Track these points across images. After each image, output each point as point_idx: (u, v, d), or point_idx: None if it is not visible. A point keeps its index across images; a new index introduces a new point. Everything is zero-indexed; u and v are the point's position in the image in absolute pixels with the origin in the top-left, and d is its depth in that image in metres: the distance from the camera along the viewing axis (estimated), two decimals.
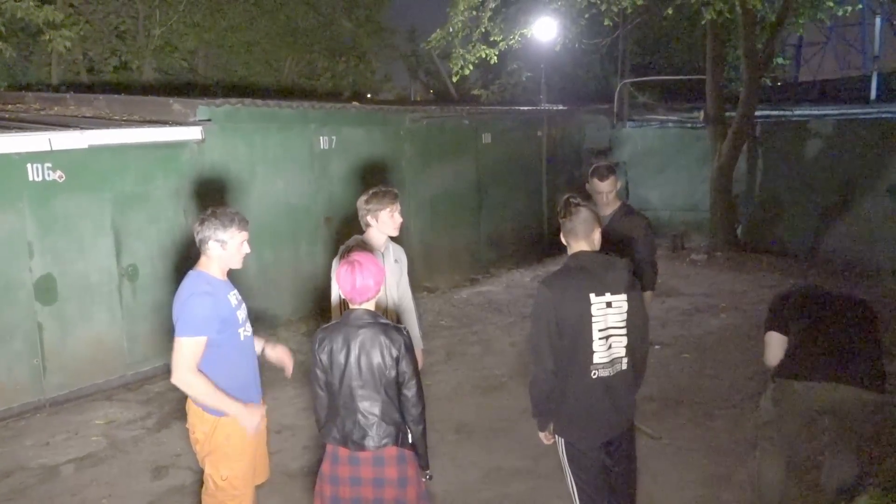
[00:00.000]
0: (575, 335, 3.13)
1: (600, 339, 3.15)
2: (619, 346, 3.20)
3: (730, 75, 13.59)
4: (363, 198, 4.13)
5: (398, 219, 4.12)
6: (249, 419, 3.32)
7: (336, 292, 4.01)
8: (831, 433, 3.94)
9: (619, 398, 3.24)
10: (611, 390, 3.20)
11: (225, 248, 3.27)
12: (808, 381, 3.71)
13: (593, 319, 3.13)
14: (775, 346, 3.88)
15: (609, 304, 3.16)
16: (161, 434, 5.57)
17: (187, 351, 3.18)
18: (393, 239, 4.27)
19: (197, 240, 3.29)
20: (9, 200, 5.75)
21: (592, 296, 3.13)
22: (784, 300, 3.99)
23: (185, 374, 3.18)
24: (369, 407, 3.06)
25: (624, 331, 3.20)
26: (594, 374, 3.16)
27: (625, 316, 3.19)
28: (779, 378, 3.86)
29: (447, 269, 10.04)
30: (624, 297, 3.18)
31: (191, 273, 3.33)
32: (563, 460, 3.32)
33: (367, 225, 4.13)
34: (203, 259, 3.33)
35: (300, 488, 4.65)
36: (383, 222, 4.08)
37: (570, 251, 3.29)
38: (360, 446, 3.05)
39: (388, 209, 4.07)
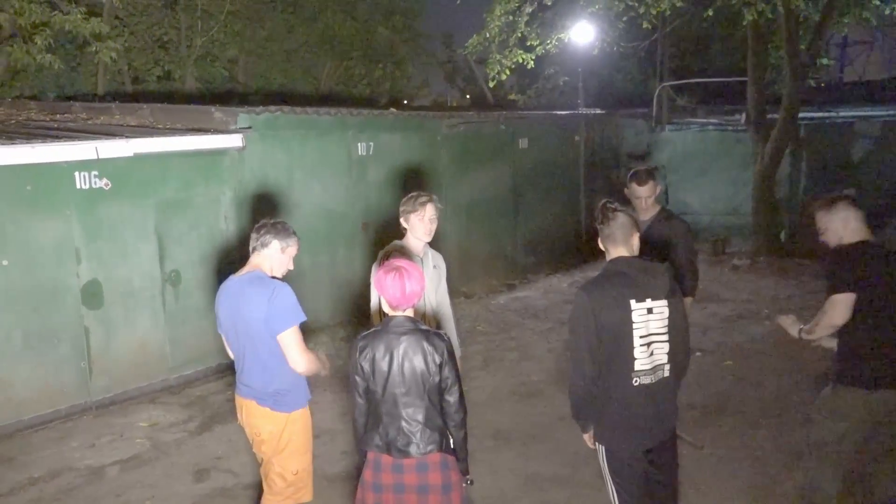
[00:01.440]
0: (615, 342, 3.09)
1: (642, 345, 3.10)
2: (661, 352, 3.15)
3: (772, 77, 13.34)
4: (401, 201, 4.17)
5: (429, 223, 4.08)
6: (325, 366, 3.65)
7: (376, 298, 4.02)
8: (886, 441, 3.73)
9: (662, 406, 3.19)
10: (653, 398, 3.15)
11: (284, 252, 3.47)
12: (885, 389, 3.49)
13: (634, 326, 3.09)
14: (846, 307, 3.45)
15: (650, 311, 3.11)
16: (203, 437, 5.66)
17: (297, 340, 3.36)
18: (432, 245, 4.27)
19: (258, 241, 3.44)
20: (57, 208, 5.92)
21: (633, 302, 3.09)
22: (849, 259, 3.53)
23: (304, 357, 3.39)
24: (413, 413, 3.05)
25: (666, 337, 3.15)
26: (636, 381, 3.11)
27: (666, 322, 3.14)
28: (846, 386, 3.58)
29: (484, 275, 10.01)
30: (665, 302, 3.13)
31: (247, 275, 3.44)
32: (604, 468, 3.27)
33: (405, 229, 4.14)
34: (256, 259, 3.46)
35: (339, 493, 4.67)
36: (413, 226, 4.08)
37: (609, 257, 3.25)
38: (405, 453, 3.05)
39: (416, 213, 4.05)
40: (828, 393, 3.71)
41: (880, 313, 3.46)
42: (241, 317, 3.38)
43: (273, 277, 3.44)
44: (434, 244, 4.31)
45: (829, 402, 3.68)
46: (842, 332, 3.56)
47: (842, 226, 3.63)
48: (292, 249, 3.50)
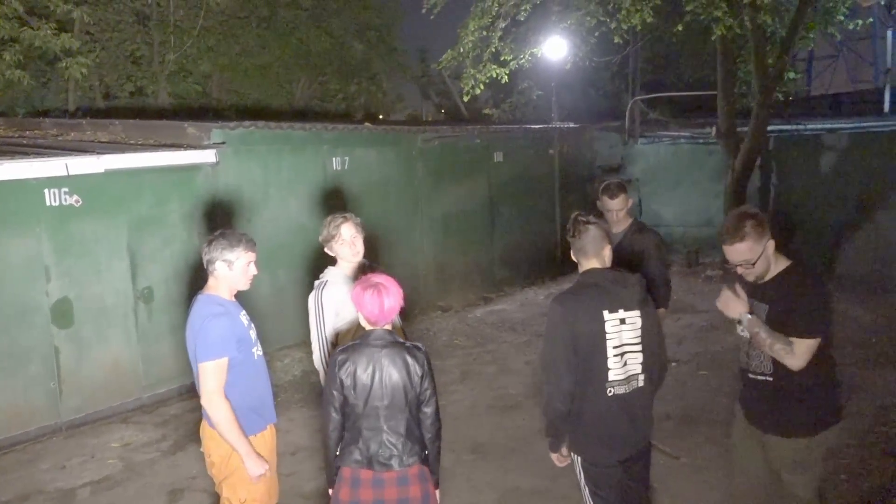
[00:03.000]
0: (590, 353, 3.12)
1: (615, 356, 3.13)
2: (635, 362, 3.18)
3: (741, 90, 13.56)
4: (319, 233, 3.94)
5: (353, 243, 3.85)
6: (255, 465, 3.28)
7: (316, 334, 3.83)
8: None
9: (637, 415, 3.23)
10: (627, 407, 3.18)
11: (231, 268, 3.29)
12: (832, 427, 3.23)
13: (607, 336, 3.12)
14: (812, 354, 3.05)
15: (623, 321, 3.15)
16: (176, 456, 5.57)
17: (212, 375, 3.20)
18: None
19: (205, 261, 3.32)
20: (26, 225, 5.82)
21: (606, 312, 3.12)
22: (823, 294, 3.15)
23: (214, 397, 3.20)
24: (395, 426, 3.06)
25: (639, 347, 3.19)
26: (610, 391, 3.14)
27: (639, 332, 3.18)
28: (806, 437, 3.19)
29: (461, 288, 10.02)
30: (637, 313, 3.18)
31: (200, 297, 3.35)
32: (581, 479, 3.29)
33: (335, 258, 3.94)
34: (211, 281, 3.35)
35: None
36: (339, 251, 3.88)
37: (582, 269, 3.28)
38: (387, 466, 3.05)
39: (336, 238, 3.85)
40: (784, 448, 3.23)
41: (825, 351, 3.14)
42: (186, 334, 3.33)
43: (218, 303, 3.29)
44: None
45: (789, 457, 3.25)
46: (787, 376, 3.13)
47: (768, 251, 3.15)
48: (241, 261, 3.29)
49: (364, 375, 3.04)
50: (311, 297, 3.87)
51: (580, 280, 3.26)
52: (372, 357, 3.05)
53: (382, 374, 3.03)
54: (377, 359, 3.04)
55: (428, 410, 3.12)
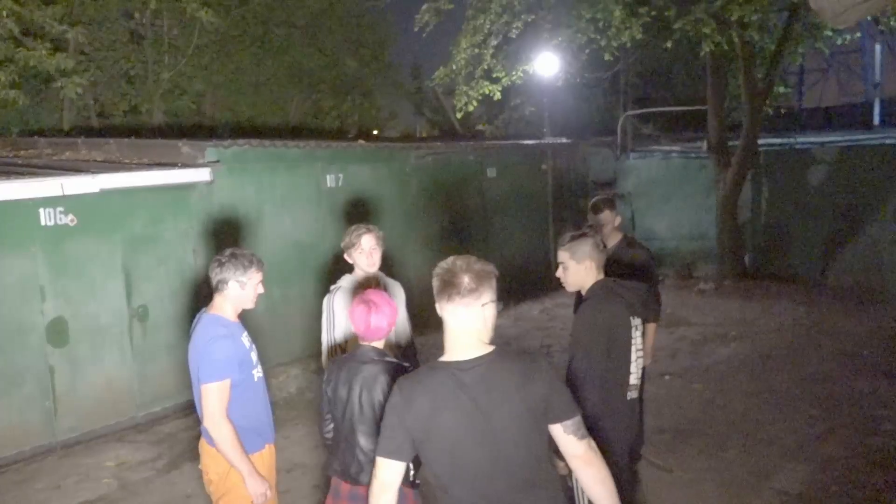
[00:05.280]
0: (621, 358, 3.26)
1: (635, 360, 3.32)
2: (639, 367, 3.37)
3: (732, 105, 13.69)
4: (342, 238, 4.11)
5: (370, 254, 4.01)
6: (256, 485, 3.28)
7: (326, 336, 3.96)
8: None
9: (635, 419, 3.44)
10: (634, 411, 3.38)
11: (244, 288, 3.34)
12: None
13: (633, 341, 3.29)
14: None
15: (636, 328, 3.33)
16: (172, 475, 5.57)
17: (215, 396, 3.22)
18: (391, 273, 4.27)
19: (214, 280, 3.34)
20: (21, 245, 5.84)
21: (632, 318, 3.29)
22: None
23: (217, 418, 3.21)
24: (367, 443, 3.07)
25: (642, 352, 3.39)
26: (629, 395, 3.30)
27: (641, 338, 3.39)
28: None
29: None
30: (640, 320, 3.36)
31: (204, 316, 3.37)
32: (579, 495, 3.29)
33: (352, 265, 4.11)
34: (217, 300, 3.37)
35: None
36: (356, 260, 4.03)
37: (594, 279, 3.33)
38: (357, 481, 3.08)
39: (355, 247, 3.99)
40: None
41: None
42: (189, 353, 3.37)
43: (222, 324, 3.32)
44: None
45: None
46: None
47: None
48: (253, 281, 3.36)
49: (342, 390, 3.09)
50: (325, 301, 4.03)
51: (597, 290, 3.33)
52: (351, 372, 3.09)
53: (360, 390, 3.06)
54: (356, 375, 3.07)
55: None
